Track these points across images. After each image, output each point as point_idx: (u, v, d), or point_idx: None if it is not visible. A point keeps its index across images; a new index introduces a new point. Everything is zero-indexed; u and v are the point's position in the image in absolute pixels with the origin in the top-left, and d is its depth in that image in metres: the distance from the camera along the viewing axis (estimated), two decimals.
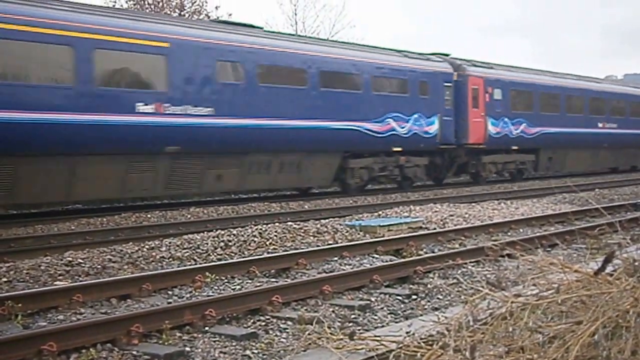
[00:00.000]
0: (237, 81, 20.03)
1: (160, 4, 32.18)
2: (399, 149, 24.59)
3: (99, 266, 9.94)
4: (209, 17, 32.81)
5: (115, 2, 31.67)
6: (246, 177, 20.69)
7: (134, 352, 6.06)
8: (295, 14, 39.82)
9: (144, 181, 18.14)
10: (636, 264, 4.60)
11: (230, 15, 33.72)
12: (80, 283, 8.65)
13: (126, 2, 31.86)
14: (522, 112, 29.35)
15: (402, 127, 24.43)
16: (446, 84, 26.35)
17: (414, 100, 24.97)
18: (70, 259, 10.18)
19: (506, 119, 28.32)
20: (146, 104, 17.73)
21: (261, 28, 23.19)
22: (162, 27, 18.69)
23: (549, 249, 10.37)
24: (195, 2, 32.96)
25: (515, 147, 29.08)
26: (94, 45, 16.83)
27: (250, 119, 19.97)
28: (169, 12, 31.83)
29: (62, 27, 16.25)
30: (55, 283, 9.03)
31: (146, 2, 32.10)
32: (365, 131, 23.18)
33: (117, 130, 17.08)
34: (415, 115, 24.91)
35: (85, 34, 16.68)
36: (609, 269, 4.54)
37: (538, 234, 11.98)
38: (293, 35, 24.64)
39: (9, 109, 15.29)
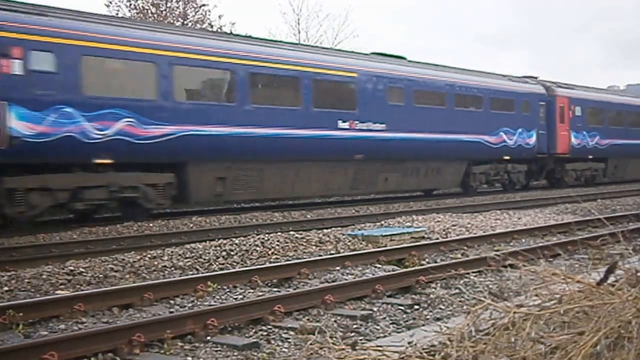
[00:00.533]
0: (400, 103, 24.65)
1: (164, 12, 32.26)
2: (508, 157, 29.41)
3: (101, 275, 9.93)
4: (212, 26, 32.88)
5: (118, 11, 31.80)
6: (403, 180, 25.46)
7: None
8: (299, 24, 39.98)
9: (337, 181, 23.06)
10: (638, 274, 4.59)
11: (233, 24, 33.86)
12: (82, 292, 8.64)
13: (129, 11, 31.96)
14: (596, 126, 34.15)
15: (511, 140, 29.26)
16: (540, 103, 31.19)
17: (519, 117, 29.85)
18: (71, 268, 10.18)
19: (584, 132, 33.19)
20: (344, 122, 22.62)
21: (404, 58, 26.97)
22: (352, 60, 23.91)
23: (551, 259, 10.34)
24: (198, 11, 33.07)
25: (590, 157, 33.95)
26: (313, 77, 21.99)
27: (409, 133, 24.73)
28: (172, 21, 31.91)
29: (293, 63, 21.51)
30: (56, 292, 9.02)
31: (149, 12, 32.18)
32: (485, 143, 27.88)
33: (324, 142, 21.97)
34: (520, 130, 29.77)
35: (309, 68, 21.96)
36: (611, 279, 4.53)
37: (540, 244, 11.96)
38: (432, 64, 27.70)
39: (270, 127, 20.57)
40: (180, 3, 32.72)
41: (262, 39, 23.16)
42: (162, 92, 18.28)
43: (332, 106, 22.58)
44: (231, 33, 27.29)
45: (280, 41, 25.32)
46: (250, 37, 23.20)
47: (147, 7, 32.04)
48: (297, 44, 23.60)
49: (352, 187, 23.82)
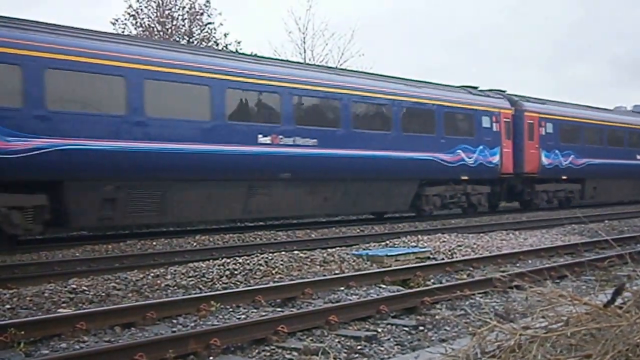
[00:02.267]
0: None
1: (170, 30, 32.37)
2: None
3: (103, 294, 9.88)
4: (217, 44, 32.97)
5: (124, 29, 31.91)
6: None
7: None
8: (304, 42, 39.99)
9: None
10: None
11: (239, 43, 33.90)
12: (84, 311, 8.59)
13: (135, 29, 32.08)
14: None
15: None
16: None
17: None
18: (74, 286, 10.14)
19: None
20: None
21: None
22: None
23: (557, 281, 10.27)
24: (204, 29, 33.18)
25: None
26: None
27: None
28: (177, 39, 32.00)
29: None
30: (58, 310, 8.97)
31: (155, 29, 32.29)
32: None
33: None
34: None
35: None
36: (618, 301, 4.47)
37: (547, 266, 11.87)
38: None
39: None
40: (186, 21, 32.88)
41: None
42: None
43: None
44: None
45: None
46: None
47: (152, 25, 32.19)
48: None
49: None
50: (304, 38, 40.88)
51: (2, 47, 15.14)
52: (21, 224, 15.60)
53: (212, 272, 11.45)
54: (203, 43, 32.43)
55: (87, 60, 16.34)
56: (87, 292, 9.85)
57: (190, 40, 32.31)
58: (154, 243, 16.81)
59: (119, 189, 17.03)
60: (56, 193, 16.03)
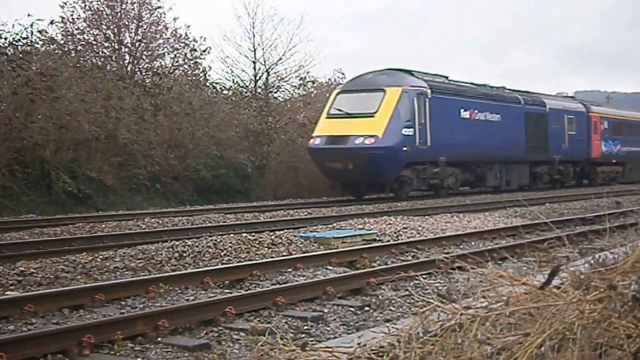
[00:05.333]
0: None
1: (119, 14, 31.87)
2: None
3: (52, 276, 9.84)
4: (167, 28, 32.62)
5: (72, 12, 31.23)
6: None
7: None
8: (254, 27, 39.80)
9: None
10: (582, 277, 4.69)
11: (188, 27, 33.54)
12: (32, 293, 8.56)
13: (84, 12, 31.47)
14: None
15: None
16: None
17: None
18: (22, 268, 10.07)
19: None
20: None
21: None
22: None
23: (499, 262, 10.50)
24: (153, 13, 32.71)
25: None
26: None
27: None
28: (126, 23, 31.58)
29: None
30: (6, 293, 8.90)
31: (104, 13, 31.75)
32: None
33: None
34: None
35: None
36: (557, 281, 4.61)
37: (489, 247, 12.14)
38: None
39: None
40: (135, 5, 32.36)
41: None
42: None
43: None
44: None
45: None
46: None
47: (101, 9, 31.62)
48: None
49: None
50: (253, 23, 40.66)
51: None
52: None
53: (161, 254, 11.46)
54: (153, 27, 32.03)
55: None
56: (36, 275, 9.80)
57: (140, 24, 31.84)
58: (103, 226, 16.70)
59: None
60: None
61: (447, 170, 27.76)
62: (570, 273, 4.73)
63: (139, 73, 31.99)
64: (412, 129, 25.57)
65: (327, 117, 26.70)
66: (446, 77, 29.64)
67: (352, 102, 26.15)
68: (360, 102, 25.87)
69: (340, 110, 26.26)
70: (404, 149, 25.26)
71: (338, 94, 27.47)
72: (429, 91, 26.72)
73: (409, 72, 27.55)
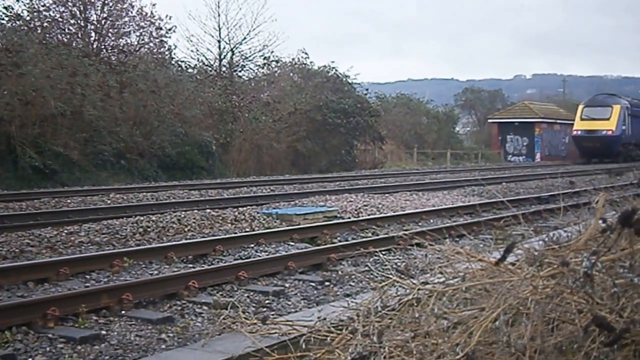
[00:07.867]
0: None
1: None
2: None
3: (17, 250, 9.86)
4: (133, 6, 32.31)
5: None
6: None
7: (50, 335, 6.08)
8: (219, 6, 39.71)
9: None
10: (536, 254, 4.85)
11: (154, 5, 33.38)
12: None
13: None
14: None
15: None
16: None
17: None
18: None
19: None
20: None
21: None
22: None
23: (457, 239, 10.72)
24: None
25: None
26: None
27: None
28: (92, 1, 31.16)
29: None
30: None
31: None
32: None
33: None
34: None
35: None
36: (512, 258, 4.75)
37: (447, 225, 12.37)
38: None
39: None
40: None
41: None
42: None
43: None
44: None
45: None
46: None
47: None
48: None
49: None
50: (219, 2, 40.55)
51: None
52: None
53: (126, 229, 11.51)
54: (118, 5, 31.66)
55: None
56: (1, 249, 9.80)
57: (105, 2, 31.37)
58: (68, 201, 16.66)
59: None
60: None
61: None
62: (525, 250, 4.87)
63: (104, 50, 31.65)
64: (625, 126, 47.92)
65: (581, 120, 48.49)
66: (632, 98, 51.38)
67: (594, 112, 47.99)
68: (600, 113, 47.71)
69: (587, 117, 48.12)
70: (622, 136, 47.48)
71: (584, 107, 49.12)
72: (628, 105, 49.08)
73: (618, 96, 51.27)
